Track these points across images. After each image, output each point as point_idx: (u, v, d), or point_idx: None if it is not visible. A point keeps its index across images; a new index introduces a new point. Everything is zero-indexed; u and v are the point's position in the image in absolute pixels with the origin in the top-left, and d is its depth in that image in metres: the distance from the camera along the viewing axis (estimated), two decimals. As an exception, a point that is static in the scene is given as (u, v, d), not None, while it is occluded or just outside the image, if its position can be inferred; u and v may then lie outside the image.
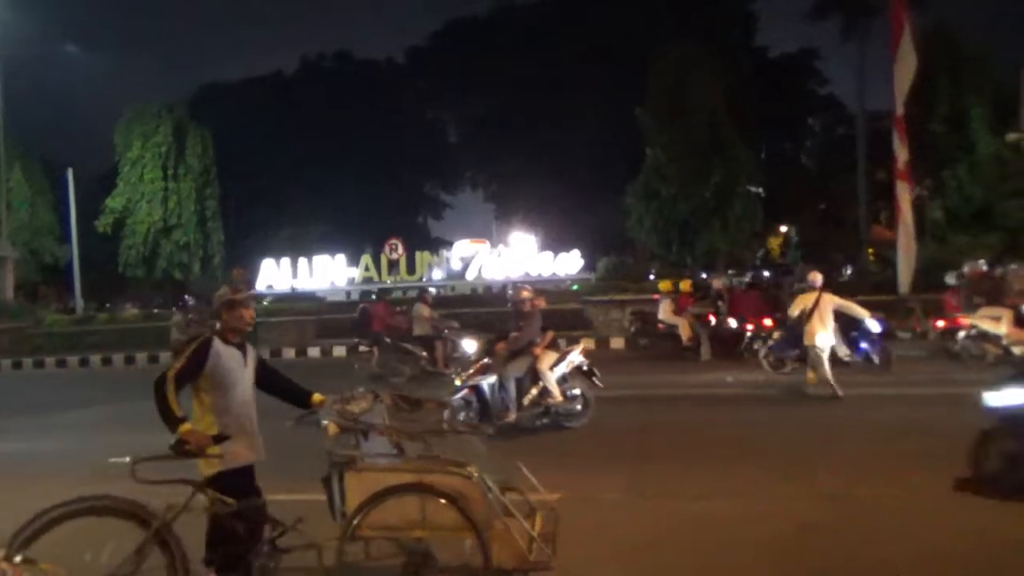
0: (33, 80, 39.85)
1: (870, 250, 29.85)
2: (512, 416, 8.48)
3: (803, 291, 10.62)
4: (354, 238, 35.96)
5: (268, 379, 4.21)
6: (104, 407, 12.64)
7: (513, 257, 27.21)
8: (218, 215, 28.65)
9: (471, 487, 3.68)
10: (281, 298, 26.00)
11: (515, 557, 3.70)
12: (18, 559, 3.32)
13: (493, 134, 38.14)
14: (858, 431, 7.95)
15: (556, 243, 29.92)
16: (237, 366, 3.96)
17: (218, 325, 4.06)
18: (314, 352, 20.85)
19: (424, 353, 13.92)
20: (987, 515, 5.07)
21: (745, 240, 26.34)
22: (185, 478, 3.71)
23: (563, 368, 8.80)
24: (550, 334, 8.94)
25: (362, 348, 14.86)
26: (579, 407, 8.80)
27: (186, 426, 3.66)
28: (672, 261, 25.60)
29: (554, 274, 26.15)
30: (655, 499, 5.96)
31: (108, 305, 32.09)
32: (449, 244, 36.70)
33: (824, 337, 9.85)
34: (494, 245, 30.56)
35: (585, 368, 8.84)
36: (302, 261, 27.50)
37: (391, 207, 39.43)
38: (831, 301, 9.97)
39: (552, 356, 8.75)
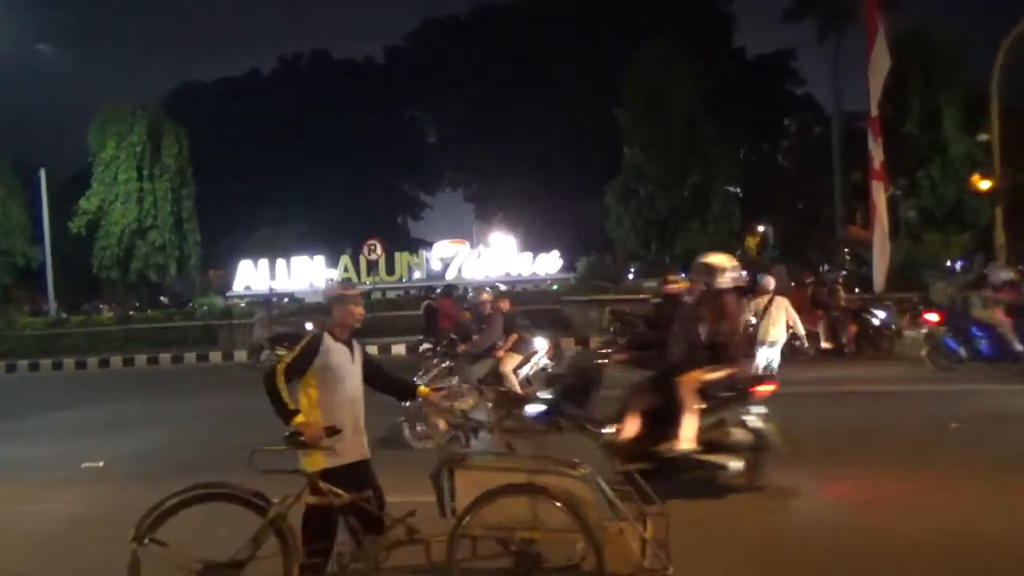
0: (3, 79, 39.13)
1: (846, 249, 30.19)
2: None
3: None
4: (333, 239, 35.75)
5: (374, 374, 4.19)
6: (74, 411, 12.45)
7: (493, 257, 27.21)
8: (194, 216, 28.32)
9: (583, 489, 3.60)
10: (259, 299, 25.80)
11: (629, 563, 3.59)
12: (147, 540, 3.57)
13: (472, 134, 38.10)
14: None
15: (536, 243, 29.97)
16: (345, 362, 3.95)
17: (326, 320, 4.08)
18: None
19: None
20: None
21: (723, 239, 26.51)
22: (299, 469, 3.76)
23: (527, 370, 8.70)
24: (514, 336, 8.78)
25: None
26: None
27: (300, 418, 3.70)
28: (651, 261, 25.74)
29: (534, 274, 26.19)
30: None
31: (86, 306, 31.61)
32: (429, 245, 36.60)
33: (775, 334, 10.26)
34: (474, 246, 30.55)
35: (549, 371, 8.75)
36: (280, 262, 27.29)
37: (370, 208, 39.26)
38: (783, 305, 10.36)
39: (516, 358, 8.64)
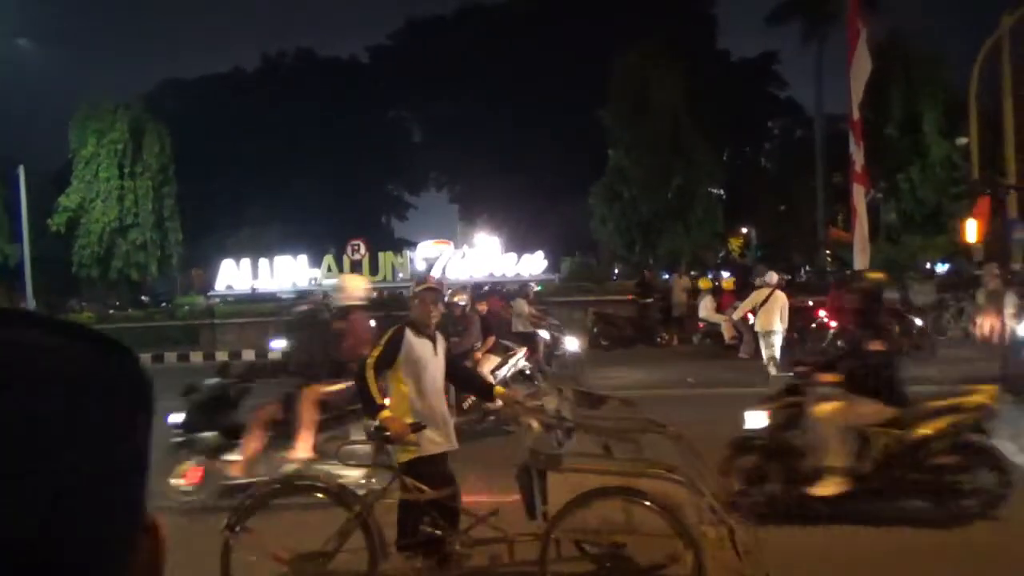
0: (-18, 74, 38.62)
1: (827, 251, 30.46)
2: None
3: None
4: (316, 238, 35.56)
5: (455, 370, 4.24)
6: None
7: (477, 258, 27.17)
8: (176, 214, 28.08)
9: (682, 492, 3.52)
10: (241, 299, 25.61)
11: (729, 569, 3.52)
12: (237, 529, 3.71)
13: (457, 135, 38.06)
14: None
15: (520, 244, 29.96)
16: (428, 354, 4.01)
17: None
18: (275, 354, 20.56)
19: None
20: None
21: (707, 241, 26.71)
22: (387, 464, 3.84)
23: (505, 372, 8.66)
24: (491, 338, 8.80)
25: None
26: None
27: (386, 413, 3.76)
28: (635, 262, 25.84)
29: (518, 275, 26.18)
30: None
31: (70, 304, 31.26)
32: (413, 245, 36.51)
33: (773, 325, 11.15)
34: (458, 246, 30.49)
35: (527, 372, 8.76)
36: (263, 261, 27.10)
37: (354, 207, 39.09)
38: (780, 299, 11.18)
39: (493, 360, 8.64)
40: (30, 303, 27.65)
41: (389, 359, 3.91)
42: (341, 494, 3.82)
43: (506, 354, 8.81)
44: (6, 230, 29.48)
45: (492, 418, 8.48)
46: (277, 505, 3.85)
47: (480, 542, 3.84)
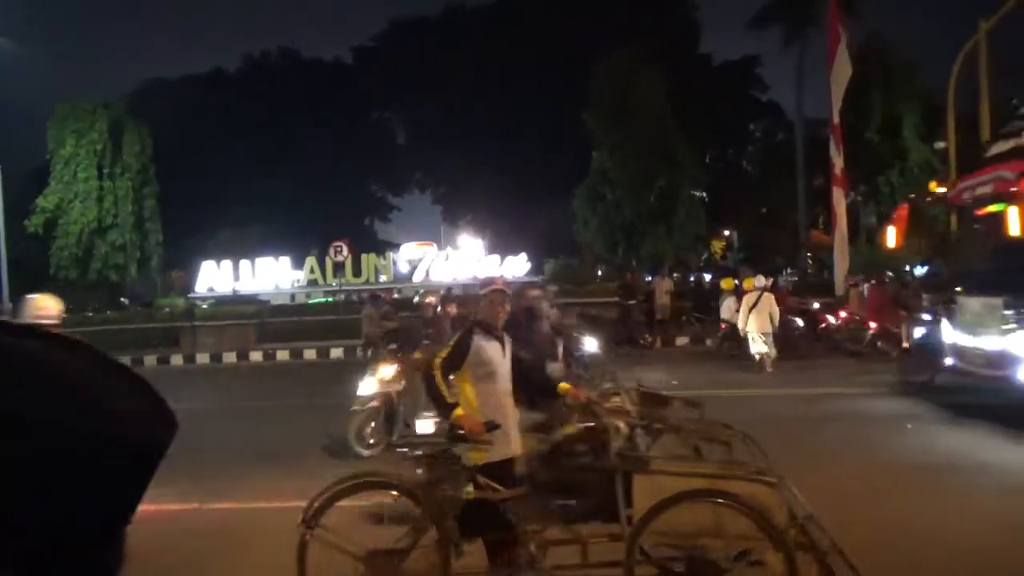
0: (-42, 73, 38.06)
1: (808, 253, 30.71)
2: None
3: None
4: (299, 240, 35.35)
5: (516, 370, 4.16)
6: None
7: (461, 260, 27.15)
8: (156, 215, 27.80)
9: (774, 495, 3.44)
10: (222, 301, 25.41)
11: (818, 572, 3.44)
12: (313, 526, 3.80)
13: (440, 136, 38.01)
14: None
15: (504, 246, 29.97)
16: (496, 356, 3.97)
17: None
18: (256, 356, 20.41)
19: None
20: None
21: (689, 243, 26.82)
22: (463, 462, 3.82)
23: None
24: None
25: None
26: None
27: (459, 411, 3.73)
28: (617, 264, 25.91)
29: (502, 277, 26.15)
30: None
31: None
32: (396, 247, 36.44)
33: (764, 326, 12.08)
34: (442, 248, 30.44)
35: None
36: (244, 263, 26.91)
37: (337, 209, 38.90)
38: (770, 300, 11.36)
39: None
40: (6, 306, 27.27)
41: (457, 360, 3.89)
42: (415, 491, 3.82)
43: None
44: (-18, 231, 29.05)
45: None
46: (351, 501, 3.90)
47: (553, 543, 3.82)
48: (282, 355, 20.18)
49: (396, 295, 25.80)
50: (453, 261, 27.03)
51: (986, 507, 5.55)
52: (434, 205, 43.65)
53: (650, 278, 25.39)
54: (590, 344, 12.78)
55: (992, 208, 9.01)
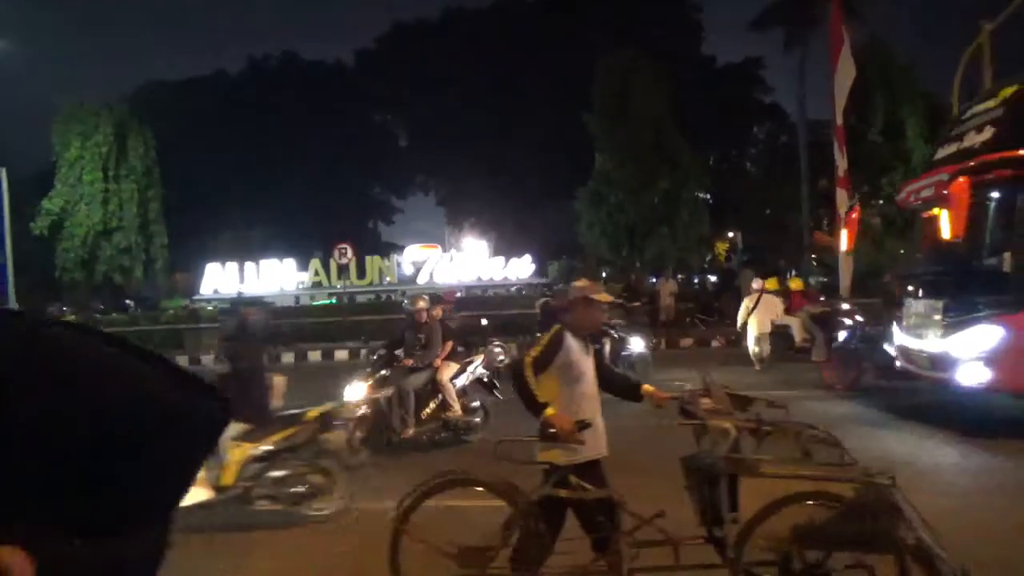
0: (-37, 76, 38.19)
1: (812, 255, 30.69)
2: (410, 431, 8.14)
3: None
4: (303, 242, 35.45)
5: (602, 371, 4.16)
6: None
7: (464, 262, 27.21)
8: (161, 217, 27.88)
9: (884, 498, 3.38)
10: (226, 302, 25.48)
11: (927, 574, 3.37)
12: (404, 523, 3.84)
13: (443, 138, 38.07)
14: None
15: (507, 248, 30.03)
16: (584, 358, 3.97)
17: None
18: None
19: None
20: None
21: (692, 245, 26.84)
22: (552, 462, 3.81)
23: (464, 379, 8.54)
24: (450, 344, 8.59)
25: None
26: (478, 420, 8.46)
27: (550, 410, 3.70)
28: (621, 266, 25.94)
29: (505, 279, 26.23)
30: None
31: (51, 310, 30.86)
32: (400, 249, 36.52)
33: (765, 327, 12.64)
34: (445, 250, 30.51)
35: (486, 379, 8.59)
36: (249, 265, 26.99)
37: (340, 211, 38.98)
38: (770, 302, 11.33)
39: (453, 367, 8.47)
40: (12, 307, 27.37)
41: (547, 360, 3.85)
42: (506, 489, 3.83)
43: (464, 361, 8.59)
44: (-12, 233, 29.13)
45: (453, 425, 8.36)
46: (443, 498, 3.95)
47: (645, 544, 3.81)
48: (287, 357, 20.23)
49: (405, 299, 25.84)
50: (457, 263, 27.08)
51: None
52: (437, 207, 43.74)
53: (654, 280, 25.43)
54: (636, 344, 12.77)
55: (934, 211, 9.12)
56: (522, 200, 35.79)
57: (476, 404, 8.50)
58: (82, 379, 0.48)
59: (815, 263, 30.52)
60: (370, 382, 8.23)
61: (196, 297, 27.48)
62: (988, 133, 8.54)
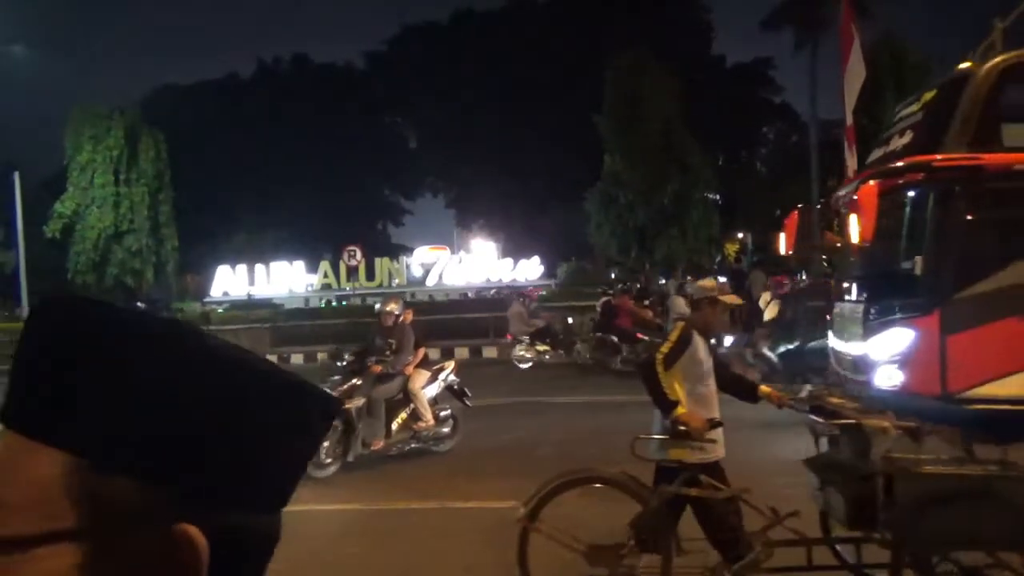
0: (-23, 81, 38.55)
1: (823, 256, 30.50)
2: (380, 443, 7.82)
3: None
4: (312, 244, 35.59)
5: (719, 370, 4.15)
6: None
7: (474, 264, 27.20)
8: (172, 220, 28.05)
9: None
10: (237, 305, 25.59)
11: None
12: (533, 520, 3.85)
13: (453, 140, 38.13)
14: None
15: (517, 249, 30.00)
16: (707, 357, 3.98)
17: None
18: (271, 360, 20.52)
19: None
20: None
21: (702, 246, 26.75)
22: (683, 461, 3.79)
23: (435, 388, 8.26)
24: (422, 351, 8.25)
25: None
26: (447, 429, 8.18)
27: (681, 409, 3.71)
28: (631, 267, 25.89)
29: (515, 280, 26.21)
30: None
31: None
32: (409, 250, 36.57)
33: None
34: (455, 251, 30.52)
35: (456, 387, 8.27)
36: (259, 267, 27.09)
37: (350, 213, 39.10)
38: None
39: (424, 375, 8.13)
40: (25, 311, 27.59)
41: (675, 358, 3.86)
42: (636, 488, 3.83)
43: (435, 369, 8.29)
44: (1, 237, 29.43)
45: (424, 436, 8.09)
46: (571, 495, 3.96)
47: (779, 543, 3.78)
48: (296, 359, 20.27)
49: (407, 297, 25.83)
50: (466, 265, 27.09)
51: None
52: (447, 209, 43.82)
53: (663, 281, 25.35)
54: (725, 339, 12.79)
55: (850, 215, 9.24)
56: (531, 201, 35.79)
57: (446, 412, 8.18)
58: (225, 373, 0.54)
59: (826, 263, 30.34)
60: (339, 390, 7.72)
61: (207, 299, 27.61)
62: (907, 137, 8.62)
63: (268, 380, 0.55)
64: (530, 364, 15.30)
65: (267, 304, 25.58)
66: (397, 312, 8.21)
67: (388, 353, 8.03)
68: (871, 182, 8.36)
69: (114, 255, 26.91)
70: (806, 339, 11.30)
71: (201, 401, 0.52)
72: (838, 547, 3.82)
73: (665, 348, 3.88)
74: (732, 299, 4.12)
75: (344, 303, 26.71)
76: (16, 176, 27.53)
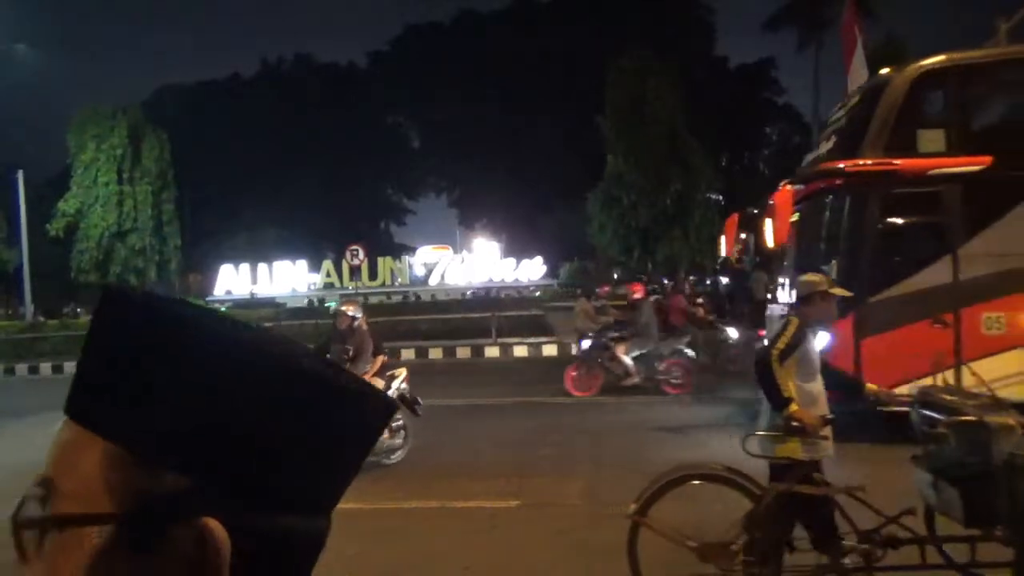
0: (-19, 80, 38.67)
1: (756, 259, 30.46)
2: None
3: None
4: (315, 244, 35.64)
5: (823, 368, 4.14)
6: (51, 415, 12.26)
7: (476, 264, 27.23)
8: (175, 219, 28.08)
9: None
10: (240, 304, 25.63)
11: None
12: (643, 517, 3.84)
13: (455, 140, 38.16)
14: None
15: (519, 249, 30.03)
16: (816, 351, 3.97)
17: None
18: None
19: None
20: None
21: (705, 247, 26.73)
22: (793, 458, 3.77)
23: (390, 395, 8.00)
24: (380, 359, 7.88)
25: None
26: (399, 440, 7.68)
27: (795, 406, 3.69)
28: (633, 268, 25.88)
29: (517, 280, 26.23)
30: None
31: (66, 311, 31.22)
32: (412, 250, 36.64)
33: None
34: (457, 251, 30.54)
35: (407, 396, 7.72)
36: (262, 267, 27.14)
37: (353, 213, 39.16)
38: None
39: (379, 383, 7.61)
40: (28, 308, 27.65)
41: (789, 353, 3.83)
42: (748, 484, 3.81)
43: (387, 376, 7.83)
44: (4, 235, 29.49)
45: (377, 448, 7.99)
46: (682, 491, 3.95)
47: (891, 542, 3.77)
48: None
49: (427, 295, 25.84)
50: (469, 264, 27.11)
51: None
52: (449, 209, 43.86)
53: (666, 281, 25.34)
54: (732, 333, 12.72)
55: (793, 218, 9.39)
56: (534, 202, 35.79)
57: (399, 423, 7.69)
58: (274, 375, 0.55)
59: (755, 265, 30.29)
60: None
61: (210, 298, 27.66)
62: (831, 142, 8.73)
63: (321, 384, 0.55)
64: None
65: (270, 303, 25.62)
66: (352, 314, 7.82)
67: (345, 359, 7.61)
68: (786, 187, 8.51)
69: (117, 254, 26.94)
70: None
71: (248, 401, 0.53)
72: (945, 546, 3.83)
73: (780, 344, 3.84)
74: (842, 292, 4.08)
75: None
76: (20, 175, 27.58)
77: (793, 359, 3.85)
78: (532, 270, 26.36)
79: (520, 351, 18.15)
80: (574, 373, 11.55)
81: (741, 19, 57.99)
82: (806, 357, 3.91)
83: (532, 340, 18.45)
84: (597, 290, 20.15)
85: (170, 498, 0.51)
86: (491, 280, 26.11)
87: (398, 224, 46.94)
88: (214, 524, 0.51)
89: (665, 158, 23.87)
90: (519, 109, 35.39)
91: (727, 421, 8.98)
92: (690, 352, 11.46)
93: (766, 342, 3.94)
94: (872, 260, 7.78)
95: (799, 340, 3.87)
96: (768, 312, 9.77)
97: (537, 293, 24.91)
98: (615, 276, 28.65)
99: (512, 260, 27.19)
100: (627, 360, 11.08)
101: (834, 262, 8.03)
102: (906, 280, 7.63)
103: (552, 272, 27.11)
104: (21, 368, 21.00)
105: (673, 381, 11.11)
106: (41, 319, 26.13)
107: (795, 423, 3.68)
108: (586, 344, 11.99)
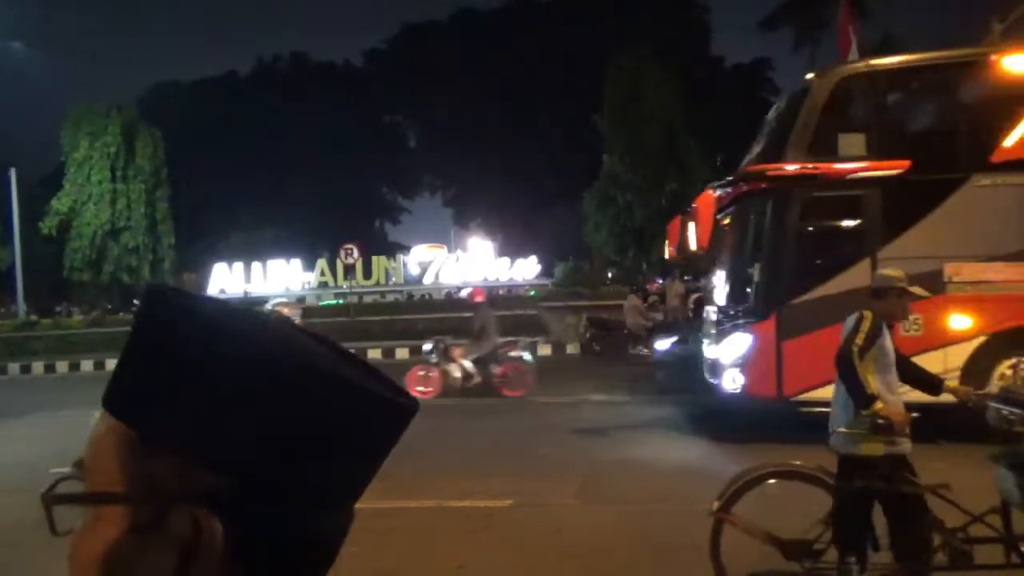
0: (-26, 77, 38.45)
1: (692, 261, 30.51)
2: None
3: None
4: (310, 242, 35.55)
5: (901, 364, 4.04)
6: (42, 415, 12.22)
7: (471, 263, 27.20)
8: (168, 218, 27.96)
9: None
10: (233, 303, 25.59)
11: None
12: (727, 513, 3.85)
13: (451, 139, 38.12)
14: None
15: (514, 249, 30.00)
16: (892, 348, 3.92)
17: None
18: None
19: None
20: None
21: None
22: (875, 455, 3.72)
23: None
24: None
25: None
26: None
27: (879, 403, 3.64)
28: (628, 267, 25.88)
29: (512, 279, 26.21)
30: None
31: (58, 310, 31.07)
32: (407, 249, 36.58)
33: None
34: (452, 250, 30.51)
35: None
36: (256, 265, 27.04)
37: (347, 211, 39.09)
38: None
39: None
40: (20, 307, 27.52)
41: (868, 347, 3.78)
42: (831, 482, 3.80)
43: None
44: (-3, 233, 29.33)
45: None
46: (765, 488, 3.96)
47: (976, 541, 3.74)
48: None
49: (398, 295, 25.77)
50: (463, 263, 27.08)
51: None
52: (445, 208, 43.82)
53: (661, 281, 25.34)
54: None
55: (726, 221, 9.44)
56: (529, 201, 35.78)
57: None
58: (299, 377, 0.57)
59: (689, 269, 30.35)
60: None
61: (203, 297, 27.59)
62: (760, 145, 8.93)
63: (349, 387, 0.57)
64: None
65: (264, 302, 25.51)
66: (288, 314, 8.01)
67: None
68: (708, 191, 8.60)
69: (110, 252, 26.82)
70: None
71: (269, 402, 0.55)
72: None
73: (859, 339, 3.77)
74: (919, 291, 4.02)
75: (341, 301, 26.71)
76: (12, 173, 27.43)
77: (872, 353, 3.81)
78: (527, 269, 26.34)
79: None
80: (420, 373, 11.64)
81: (737, 19, 58.00)
82: (883, 352, 3.87)
83: (528, 340, 18.38)
84: (647, 286, 20.12)
85: (173, 485, 0.54)
86: (486, 279, 26.08)
87: (393, 223, 46.92)
88: (206, 515, 0.54)
89: (661, 157, 23.88)
90: (516, 108, 35.37)
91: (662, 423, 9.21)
92: (528, 357, 11.85)
93: (842, 339, 3.86)
94: (793, 263, 7.86)
95: (877, 335, 3.82)
96: (704, 315, 9.81)
97: (532, 292, 24.88)
98: (609, 276, 28.67)
99: (507, 259, 27.16)
100: (466, 363, 11.30)
101: (756, 264, 8.11)
102: (826, 283, 7.66)
103: (547, 271, 27.08)
104: (13, 367, 20.90)
105: (510, 384, 11.38)
106: (34, 318, 25.99)
107: (881, 420, 3.63)
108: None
